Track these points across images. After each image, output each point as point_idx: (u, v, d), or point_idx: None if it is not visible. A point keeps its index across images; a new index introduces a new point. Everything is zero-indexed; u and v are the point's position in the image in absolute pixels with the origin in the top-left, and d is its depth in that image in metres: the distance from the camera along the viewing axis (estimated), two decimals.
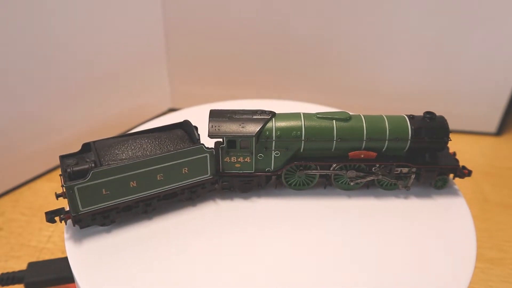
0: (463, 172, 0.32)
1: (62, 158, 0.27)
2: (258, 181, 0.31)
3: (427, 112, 0.31)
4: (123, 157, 0.27)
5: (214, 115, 0.30)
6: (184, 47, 0.60)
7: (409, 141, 0.30)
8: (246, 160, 0.29)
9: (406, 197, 0.31)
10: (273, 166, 0.30)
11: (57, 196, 0.28)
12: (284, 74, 0.61)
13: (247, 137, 0.29)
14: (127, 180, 0.27)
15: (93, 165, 0.26)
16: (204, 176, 0.29)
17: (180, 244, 0.27)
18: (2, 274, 0.31)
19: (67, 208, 0.27)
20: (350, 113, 0.31)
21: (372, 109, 0.42)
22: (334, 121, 0.30)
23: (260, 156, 0.30)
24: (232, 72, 0.61)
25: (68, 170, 0.26)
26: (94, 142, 0.28)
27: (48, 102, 0.48)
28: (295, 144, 0.30)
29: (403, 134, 0.30)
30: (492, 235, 0.43)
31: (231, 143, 0.29)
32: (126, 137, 0.29)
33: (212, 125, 0.29)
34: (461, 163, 0.32)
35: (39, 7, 0.44)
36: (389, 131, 0.30)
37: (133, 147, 0.28)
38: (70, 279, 0.32)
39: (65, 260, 0.32)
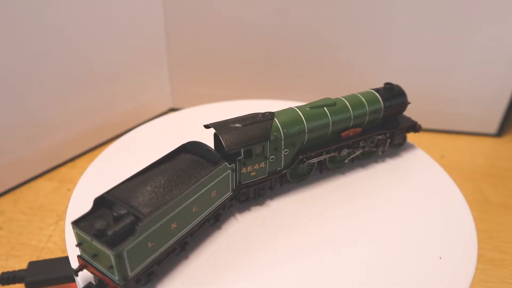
0: (418, 127, 0.37)
1: (77, 223, 0.22)
2: (270, 183, 0.31)
3: (387, 83, 0.35)
4: (160, 199, 0.23)
5: (220, 128, 0.28)
6: (184, 47, 0.60)
7: (382, 111, 0.34)
8: (261, 166, 0.29)
9: (383, 160, 0.36)
10: (283, 164, 0.30)
11: (77, 271, 0.23)
12: (283, 74, 0.61)
13: (263, 142, 0.28)
14: (169, 223, 0.23)
15: (133, 217, 0.22)
16: (227, 194, 0.28)
17: (233, 273, 0.25)
18: (3, 273, 0.31)
19: (93, 281, 0.23)
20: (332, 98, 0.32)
21: None
22: (325, 108, 0.31)
23: (272, 158, 0.29)
24: (232, 72, 0.61)
25: (109, 233, 0.21)
26: (108, 193, 0.23)
27: (49, 101, 0.48)
28: (300, 138, 0.30)
29: (378, 106, 0.33)
30: (493, 236, 0.43)
31: (248, 153, 0.28)
32: (141, 177, 0.25)
33: (226, 139, 0.27)
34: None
35: (40, 8, 0.44)
36: (368, 106, 0.33)
37: (161, 185, 0.24)
38: (71, 278, 0.32)
39: (65, 260, 0.32)
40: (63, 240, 0.41)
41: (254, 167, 0.29)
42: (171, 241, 0.24)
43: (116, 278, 0.22)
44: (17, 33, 0.43)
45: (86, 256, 0.23)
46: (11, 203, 0.46)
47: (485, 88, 0.58)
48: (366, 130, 0.34)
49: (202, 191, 0.25)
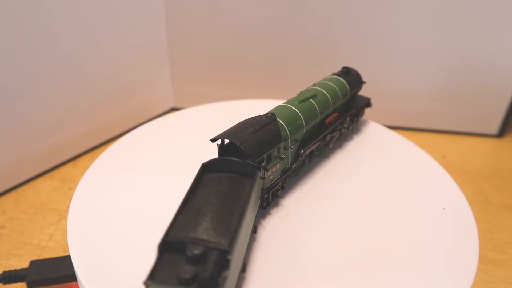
0: (371, 103, 0.41)
1: (152, 279, 0.19)
2: (281, 183, 0.31)
3: (344, 67, 0.39)
4: (227, 225, 0.22)
5: (235, 138, 0.27)
6: (186, 46, 0.60)
7: (348, 94, 0.37)
8: (276, 167, 0.29)
9: (352, 137, 0.39)
10: (290, 161, 0.31)
11: None
12: (284, 74, 0.61)
13: (279, 144, 0.28)
14: (240, 247, 0.22)
15: (217, 252, 0.20)
16: (258, 203, 0.27)
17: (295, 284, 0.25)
18: (4, 272, 0.31)
19: None
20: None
21: (373, 110, 0.42)
22: (311, 100, 0.33)
23: (283, 157, 0.30)
24: (233, 72, 0.61)
25: (206, 275, 0.19)
26: (167, 236, 0.21)
27: (50, 101, 0.48)
28: (300, 132, 0.31)
29: (346, 90, 0.36)
30: (494, 236, 0.43)
31: (268, 157, 0.28)
32: (190, 210, 0.23)
33: (248, 148, 0.26)
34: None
35: (39, 7, 0.44)
36: (340, 92, 0.35)
37: (219, 211, 0.23)
38: (72, 277, 0.32)
39: (67, 259, 0.32)
40: (65, 239, 0.41)
41: (272, 170, 0.29)
42: (240, 265, 0.23)
43: None
44: (16, 33, 0.43)
45: None
46: (12, 202, 0.46)
47: (485, 88, 0.58)
48: (340, 113, 0.37)
49: (251, 206, 0.24)
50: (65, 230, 0.41)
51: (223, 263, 0.20)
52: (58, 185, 0.48)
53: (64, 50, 0.48)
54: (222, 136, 0.27)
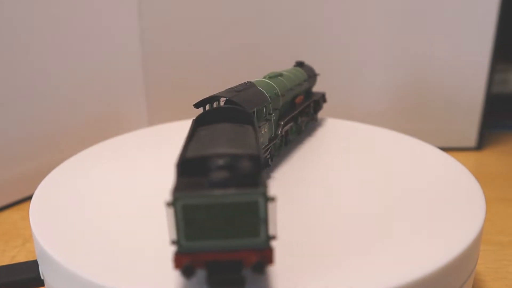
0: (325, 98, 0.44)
1: (181, 194, 0.16)
2: (270, 151, 0.30)
3: (297, 61, 0.42)
4: (246, 142, 0.20)
5: (224, 94, 0.26)
6: (163, 85, 0.61)
7: (306, 77, 0.39)
8: (265, 130, 0.29)
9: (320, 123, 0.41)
10: (274, 129, 0.31)
11: (188, 273, 0.16)
12: None
13: (265, 103, 0.29)
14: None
15: (244, 160, 0.18)
16: None
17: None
18: None
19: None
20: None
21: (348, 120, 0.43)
22: (279, 77, 0.34)
23: (269, 119, 0.30)
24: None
25: (244, 169, 0.16)
26: (185, 154, 0.19)
27: (18, 129, 0.46)
28: (278, 101, 0.32)
29: (303, 74, 0.39)
30: (496, 223, 0.41)
31: (258, 114, 0.28)
32: (202, 138, 0.21)
33: (239, 100, 0.26)
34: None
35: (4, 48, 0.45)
36: (300, 74, 0.38)
37: (232, 136, 0.21)
38: (38, 281, 0.28)
39: (32, 264, 0.28)
40: (29, 259, 0.36)
41: (263, 131, 0.28)
42: None
43: (261, 238, 0.16)
44: None
45: (195, 244, 0.16)
46: None
47: (455, 101, 0.60)
48: (305, 97, 0.39)
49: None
50: (30, 251, 0.37)
51: (256, 167, 0.17)
52: (27, 215, 0.44)
53: (46, 93, 0.47)
54: (208, 97, 0.27)
